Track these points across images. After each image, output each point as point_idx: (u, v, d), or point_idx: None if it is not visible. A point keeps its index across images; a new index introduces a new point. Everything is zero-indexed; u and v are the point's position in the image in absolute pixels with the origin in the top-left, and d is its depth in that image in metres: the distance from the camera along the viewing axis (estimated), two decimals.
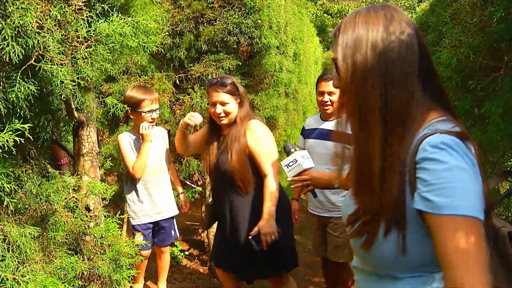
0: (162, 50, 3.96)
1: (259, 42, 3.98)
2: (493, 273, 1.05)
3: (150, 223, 3.30)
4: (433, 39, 3.08)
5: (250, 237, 2.65)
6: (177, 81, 4.17)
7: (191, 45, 3.99)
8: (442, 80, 2.82)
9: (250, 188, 2.84)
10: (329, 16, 25.39)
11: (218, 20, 3.87)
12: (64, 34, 1.39)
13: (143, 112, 3.07)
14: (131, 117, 3.18)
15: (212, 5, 3.86)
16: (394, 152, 1.07)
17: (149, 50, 2.32)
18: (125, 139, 3.14)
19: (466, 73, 2.55)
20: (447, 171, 0.99)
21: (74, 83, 1.44)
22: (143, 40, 2.14)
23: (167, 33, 3.86)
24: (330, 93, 3.24)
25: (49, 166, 2.23)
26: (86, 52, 1.49)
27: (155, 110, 3.14)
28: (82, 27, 1.49)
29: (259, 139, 2.82)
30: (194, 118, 2.83)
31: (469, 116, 2.92)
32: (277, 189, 2.79)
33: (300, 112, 6.26)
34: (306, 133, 3.48)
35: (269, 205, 2.72)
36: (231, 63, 4.01)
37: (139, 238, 3.23)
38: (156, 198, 3.28)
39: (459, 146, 1.01)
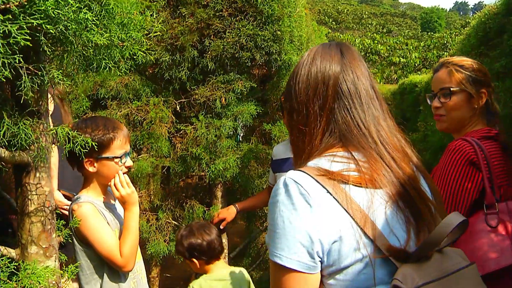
0: (156, 67, 3.24)
1: (278, 58, 3.25)
2: None
3: None
4: None
5: None
6: (178, 108, 3.44)
7: (194, 63, 3.26)
8: None
9: None
10: None
11: (228, 32, 3.14)
12: None
13: (116, 157, 1.92)
14: (89, 169, 1.89)
15: (220, 13, 3.13)
16: None
17: (138, 61, 1.58)
18: (92, 210, 1.86)
19: None
20: (272, 206, 1.01)
21: None
22: (118, 37, 1.37)
23: (164, 48, 3.13)
24: None
25: None
26: None
27: (128, 153, 2.03)
28: None
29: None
30: None
31: None
32: None
33: None
34: (276, 166, 2.75)
35: None
36: (243, 85, 3.27)
37: None
38: None
39: (291, 184, 0.99)
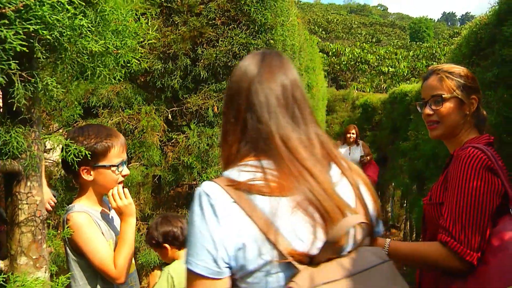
0: (148, 75, 3.21)
1: None
2: None
3: None
4: None
5: None
6: (170, 117, 3.42)
7: (187, 72, 3.25)
8: None
9: None
10: (325, 55, 25.17)
11: (221, 41, 3.14)
12: None
13: (113, 166, 1.87)
14: (84, 177, 1.85)
15: (213, 22, 3.12)
16: None
17: (131, 69, 1.56)
18: (87, 220, 1.81)
19: None
20: (189, 215, 1.07)
21: None
22: (113, 44, 1.36)
23: (156, 56, 3.11)
24: None
25: None
26: None
27: (125, 162, 1.95)
28: None
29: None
30: None
31: None
32: None
33: None
34: None
35: None
36: None
37: None
38: None
39: (202, 195, 1.04)
